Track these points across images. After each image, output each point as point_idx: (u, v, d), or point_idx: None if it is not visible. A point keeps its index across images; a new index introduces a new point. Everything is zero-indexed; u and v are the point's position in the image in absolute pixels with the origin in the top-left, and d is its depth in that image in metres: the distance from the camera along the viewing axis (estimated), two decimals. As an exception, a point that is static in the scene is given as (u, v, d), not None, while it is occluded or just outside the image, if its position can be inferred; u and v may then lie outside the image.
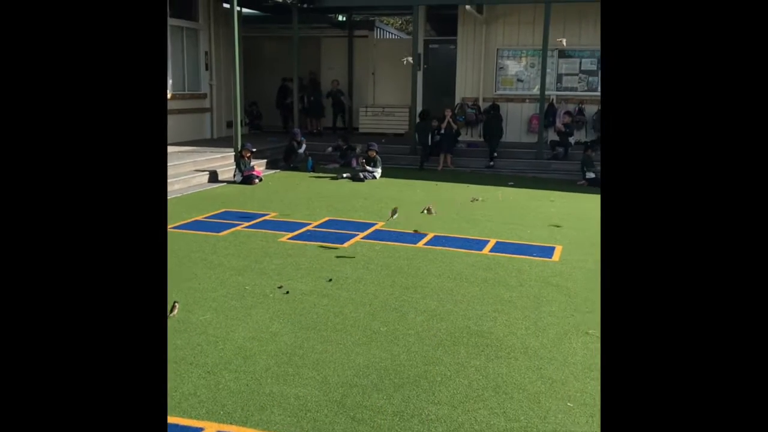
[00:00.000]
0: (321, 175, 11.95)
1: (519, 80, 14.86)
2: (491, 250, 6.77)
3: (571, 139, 13.17)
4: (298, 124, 14.60)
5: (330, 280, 5.55)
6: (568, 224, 8.23)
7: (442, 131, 13.01)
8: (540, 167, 12.92)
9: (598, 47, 14.11)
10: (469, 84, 14.98)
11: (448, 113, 13.12)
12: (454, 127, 13.22)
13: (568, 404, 3.47)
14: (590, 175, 11.71)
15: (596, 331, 4.52)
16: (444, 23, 15.36)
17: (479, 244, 6.99)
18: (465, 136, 14.44)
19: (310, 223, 7.77)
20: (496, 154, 13.07)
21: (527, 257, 6.54)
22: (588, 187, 11.47)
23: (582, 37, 14.24)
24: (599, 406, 3.38)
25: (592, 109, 14.26)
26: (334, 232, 7.40)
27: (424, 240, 7.11)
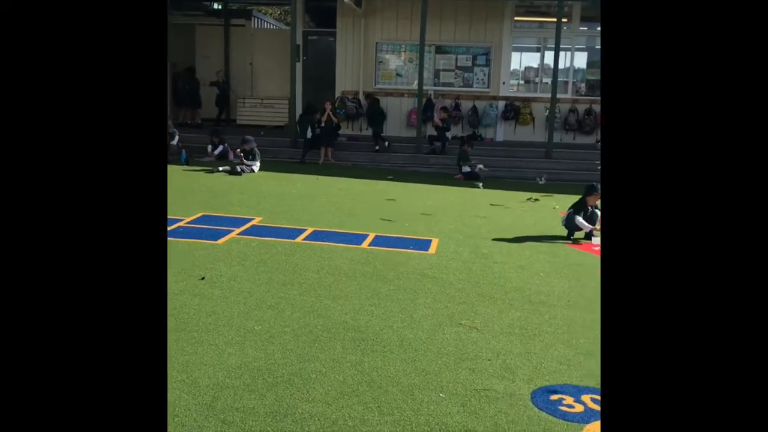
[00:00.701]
0: (195, 168, 11.51)
1: (398, 75, 15.06)
2: (370, 244, 6.79)
3: (448, 134, 13.52)
4: (171, 115, 13.96)
5: (203, 278, 5.33)
6: (445, 217, 8.44)
7: (323, 124, 12.93)
8: (419, 161, 13.17)
9: (473, 44, 14.67)
10: (349, 77, 14.98)
11: (328, 106, 13.06)
12: (335, 120, 13.18)
13: (441, 395, 3.53)
14: (466, 169, 12.07)
15: (469, 321, 4.65)
16: (323, 15, 15.25)
17: (358, 239, 6.99)
18: (346, 130, 14.44)
19: (182, 219, 7.45)
20: (386, 144, 13.17)
21: (405, 250, 6.62)
22: (464, 180, 11.83)
23: (457, 34, 14.65)
24: (467, 396, 3.49)
25: (468, 105, 14.72)
26: (209, 228, 7.14)
27: (303, 235, 7.01)
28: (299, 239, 6.82)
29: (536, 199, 10.17)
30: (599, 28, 14.75)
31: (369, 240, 6.97)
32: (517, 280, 5.76)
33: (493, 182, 11.83)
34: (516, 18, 14.67)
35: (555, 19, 12.96)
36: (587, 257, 6.73)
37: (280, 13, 25.86)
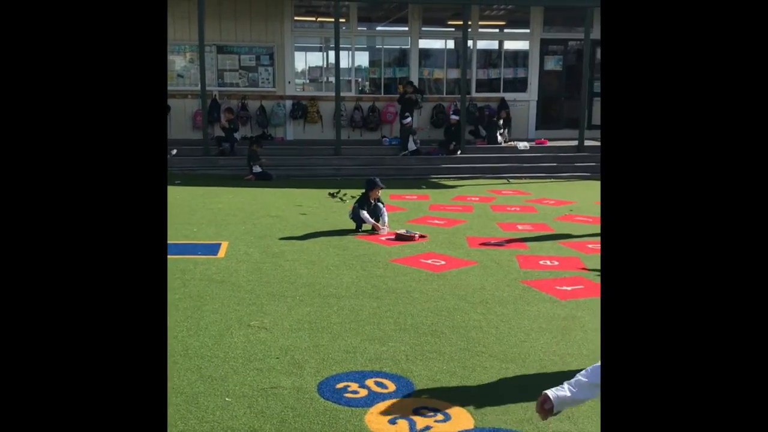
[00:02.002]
0: None
1: (179, 76, 14.50)
2: (154, 253, 6.47)
3: (237, 135, 13.29)
4: None
5: None
6: (235, 219, 8.30)
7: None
8: (208, 164, 12.80)
9: (255, 43, 14.59)
10: (125, 79, 14.08)
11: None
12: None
13: (227, 399, 3.48)
14: (257, 169, 11.97)
15: (258, 322, 4.63)
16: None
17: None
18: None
19: None
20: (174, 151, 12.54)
21: (192, 257, 6.41)
22: (255, 181, 11.72)
23: (238, 34, 14.45)
24: (254, 397, 3.48)
25: (255, 105, 14.59)
26: None
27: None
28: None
29: (333, 194, 10.32)
30: (378, 28, 15.49)
31: (153, 249, 6.63)
32: (307, 275, 5.85)
33: (285, 182, 11.87)
34: (296, 18, 14.83)
35: (333, 20, 13.31)
36: (373, 247, 7.03)
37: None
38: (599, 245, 7.29)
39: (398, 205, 9.39)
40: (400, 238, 7.36)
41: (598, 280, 5.72)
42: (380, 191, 8.09)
